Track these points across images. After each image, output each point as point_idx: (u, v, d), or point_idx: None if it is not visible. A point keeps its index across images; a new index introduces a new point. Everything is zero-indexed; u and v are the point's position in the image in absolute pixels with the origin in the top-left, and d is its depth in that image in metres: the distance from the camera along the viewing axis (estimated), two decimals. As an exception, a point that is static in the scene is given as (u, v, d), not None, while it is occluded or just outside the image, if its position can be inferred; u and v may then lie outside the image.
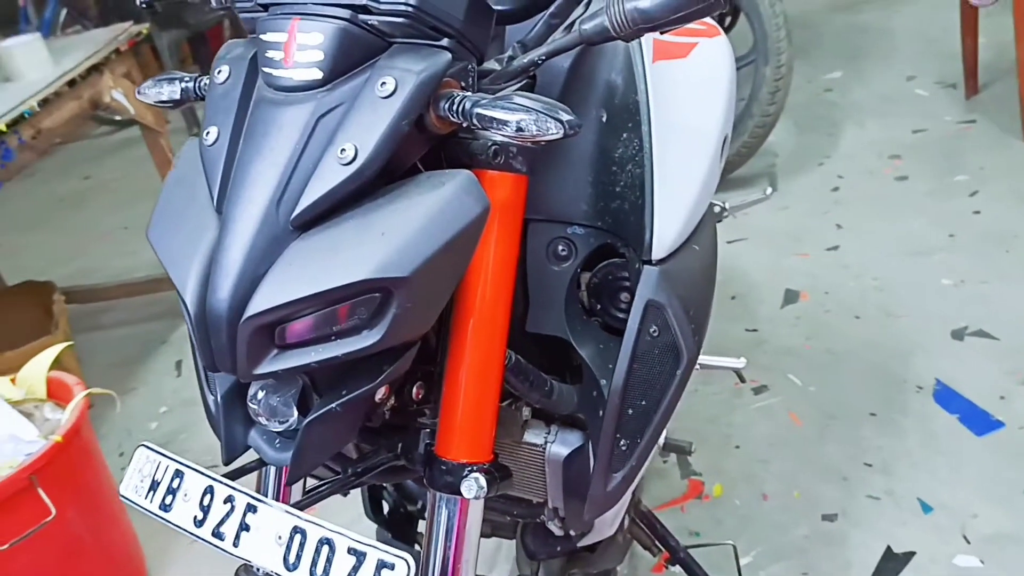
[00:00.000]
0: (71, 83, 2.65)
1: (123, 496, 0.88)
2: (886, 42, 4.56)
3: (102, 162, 5.43)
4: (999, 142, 3.38)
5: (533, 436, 1.09)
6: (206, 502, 0.83)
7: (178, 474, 0.85)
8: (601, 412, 0.99)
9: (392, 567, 0.75)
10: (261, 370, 0.74)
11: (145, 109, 2.89)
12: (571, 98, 1.01)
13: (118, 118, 5.27)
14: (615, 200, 1.01)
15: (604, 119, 1.01)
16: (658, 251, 0.98)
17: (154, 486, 0.86)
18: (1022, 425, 2.08)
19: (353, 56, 0.77)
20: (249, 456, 0.88)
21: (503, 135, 0.75)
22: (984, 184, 3.11)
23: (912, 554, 1.81)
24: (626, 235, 1.00)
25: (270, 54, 0.79)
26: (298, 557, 0.78)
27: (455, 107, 0.76)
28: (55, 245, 4.30)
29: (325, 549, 0.78)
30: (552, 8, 0.95)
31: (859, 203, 3.19)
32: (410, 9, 0.77)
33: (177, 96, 0.95)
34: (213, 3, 0.96)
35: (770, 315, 2.68)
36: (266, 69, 0.79)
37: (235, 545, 0.80)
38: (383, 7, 0.77)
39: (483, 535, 1.40)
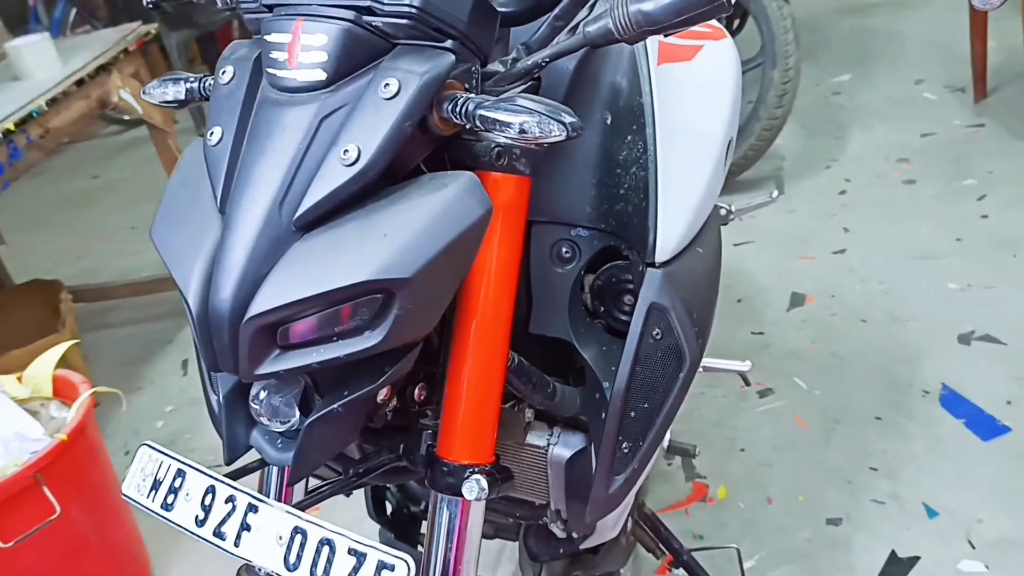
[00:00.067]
0: (79, 83, 2.66)
1: (125, 495, 0.88)
2: (895, 45, 4.55)
3: (110, 161, 5.44)
4: (1008, 146, 3.37)
5: (536, 438, 1.09)
6: (207, 502, 0.83)
7: (180, 473, 0.85)
8: (603, 414, 0.99)
9: (392, 568, 0.75)
10: (263, 370, 0.74)
11: (153, 109, 2.90)
12: (576, 100, 1.01)
13: (127, 118, 5.30)
14: (619, 202, 1.00)
15: (608, 121, 1.01)
16: (661, 254, 0.98)
17: (156, 485, 0.86)
18: (1028, 430, 2.07)
19: (357, 57, 0.77)
20: (251, 456, 0.89)
21: (506, 137, 0.75)
22: (992, 188, 3.11)
23: (916, 559, 1.81)
24: (630, 237, 1.00)
25: (274, 55, 0.79)
26: (299, 557, 0.78)
27: (458, 109, 0.76)
28: (63, 244, 4.31)
29: (325, 550, 0.78)
30: (556, 10, 0.95)
31: (866, 207, 3.19)
32: (414, 10, 0.77)
33: (182, 96, 0.95)
34: (219, 4, 0.97)
35: (776, 318, 2.67)
36: (270, 70, 0.79)
37: (236, 545, 0.80)
38: (387, 8, 0.77)
39: (486, 536, 1.41)
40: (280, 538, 0.79)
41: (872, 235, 3.00)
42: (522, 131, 0.73)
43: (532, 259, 1.05)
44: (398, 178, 0.78)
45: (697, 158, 1.06)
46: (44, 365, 2.03)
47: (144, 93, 0.97)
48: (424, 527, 1.45)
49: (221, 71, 0.84)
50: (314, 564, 0.77)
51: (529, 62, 0.87)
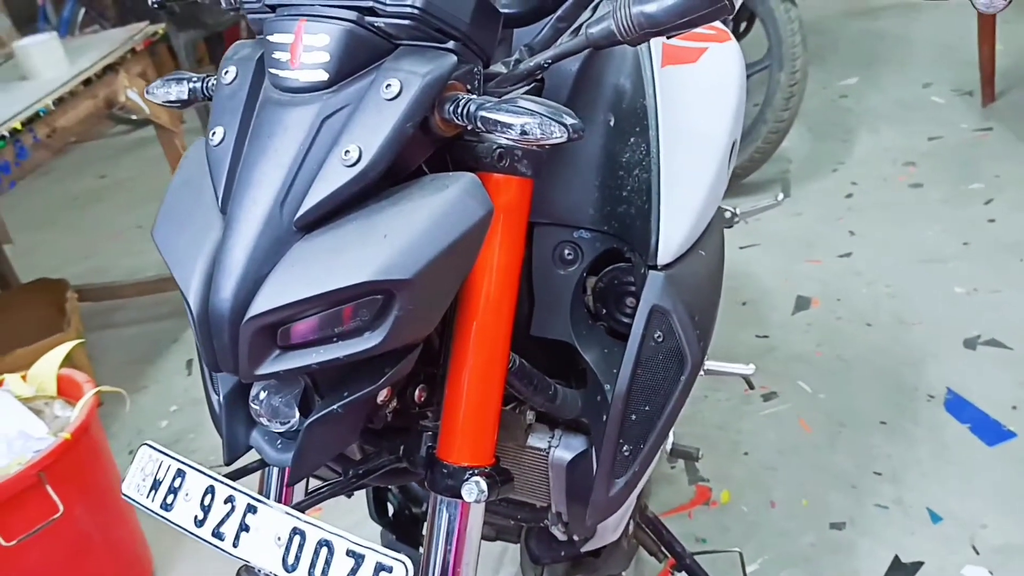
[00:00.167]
0: (87, 82, 2.66)
1: (125, 495, 0.88)
2: (903, 48, 4.54)
3: (118, 161, 5.45)
4: (1015, 150, 3.36)
5: (537, 440, 1.09)
6: (207, 502, 0.83)
7: (180, 473, 0.85)
8: (604, 417, 0.99)
9: (390, 570, 0.75)
10: (263, 371, 0.74)
11: (160, 109, 2.91)
12: (579, 102, 1.00)
13: (134, 117, 5.29)
14: (622, 204, 1.00)
15: (612, 123, 1.01)
16: (664, 256, 0.97)
17: (156, 485, 0.86)
18: (1034, 435, 2.06)
19: (359, 58, 0.77)
20: (251, 456, 0.89)
21: (507, 138, 0.75)
22: (999, 192, 3.10)
23: (920, 564, 1.80)
24: (632, 240, 1.00)
25: (276, 55, 0.79)
26: (297, 558, 0.78)
27: (460, 110, 0.76)
28: (69, 243, 4.32)
29: (324, 551, 0.78)
30: (559, 11, 0.95)
31: (873, 210, 3.18)
32: (416, 11, 0.77)
33: (185, 96, 0.95)
34: (224, 4, 0.97)
35: (781, 321, 2.67)
36: (272, 70, 0.79)
37: (235, 545, 0.81)
38: (389, 9, 0.77)
39: (488, 539, 1.41)
40: (279, 539, 0.79)
41: (878, 238, 2.99)
42: (523, 133, 0.73)
43: (534, 261, 1.05)
44: (399, 179, 0.78)
45: (700, 160, 1.05)
46: (49, 364, 2.03)
47: (148, 93, 0.97)
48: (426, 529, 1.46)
49: (224, 71, 0.84)
50: (312, 565, 0.77)
51: (531, 63, 0.87)
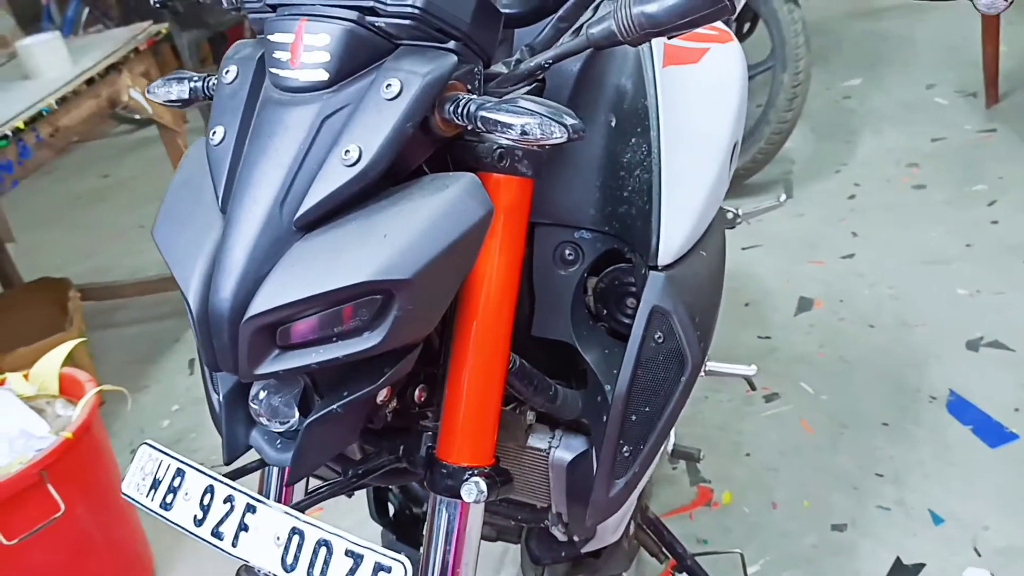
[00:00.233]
0: (89, 82, 2.67)
1: (125, 494, 0.88)
2: (907, 50, 4.53)
3: (121, 161, 5.46)
4: (1019, 151, 3.35)
5: (537, 441, 1.09)
6: (206, 501, 0.83)
7: (179, 473, 0.85)
8: (605, 418, 0.99)
9: (389, 570, 0.75)
10: (262, 370, 0.74)
11: (163, 108, 2.91)
12: (580, 102, 1.00)
13: (137, 117, 5.30)
14: (622, 205, 1.00)
15: (613, 123, 1.01)
16: (664, 257, 0.97)
17: (155, 484, 0.86)
18: (1036, 437, 2.06)
19: (359, 58, 0.77)
20: (251, 456, 0.89)
21: (508, 139, 0.75)
22: (1003, 194, 3.09)
23: (922, 566, 1.80)
24: (633, 240, 1.00)
25: (277, 55, 0.79)
26: (296, 558, 0.78)
27: (460, 110, 0.76)
28: (71, 242, 4.32)
29: (323, 551, 0.78)
30: (560, 12, 0.95)
31: (875, 211, 3.18)
32: (416, 11, 0.77)
33: (186, 95, 0.95)
34: (225, 3, 0.97)
35: (783, 322, 2.66)
36: (273, 70, 0.79)
37: (234, 545, 0.81)
38: (390, 9, 0.77)
39: (488, 539, 1.41)
40: (278, 539, 0.79)
41: (881, 240, 2.99)
42: (523, 133, 0.73)
43: (535, 261, 1.05)
44: (400, 179, 0.78)
45: (701, 161, 1.05)
46: (50, 363, 2.04)
47: (148, 92, 0.97)
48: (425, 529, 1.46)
49: (224, 70, 0.84)
50: (311, 565, 0.77)
51: (532, 63, 0.86)
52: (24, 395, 1.96)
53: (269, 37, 0.80)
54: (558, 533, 1.22)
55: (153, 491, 0.86)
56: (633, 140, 0.99)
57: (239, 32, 5.71)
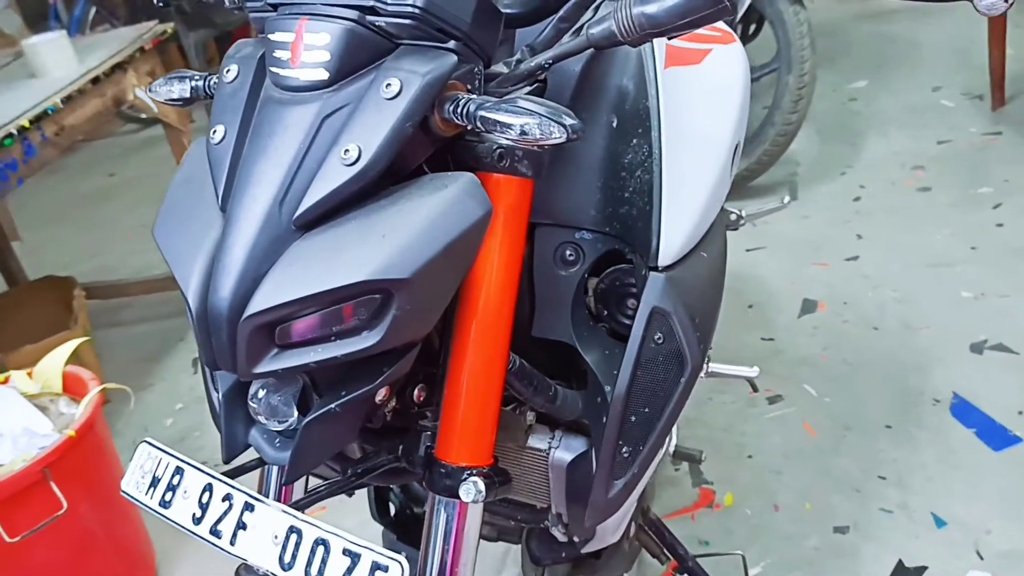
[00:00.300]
0: (95, 81, 2.67)
1: (124, 492, 0.88)
2: (913, 52, 4.53)
3: (127, 160, 5.47)
4: (1025, 155, 3.34)
5: (537, 441, 1.09)
6: (205, 500, 0.83)
7: (178, 471, 0.86)
8: (604, 418, 0.99)
9: (386, 569, 0.75)
10: (260, 369, 0.75)
11: (168, 107, 2.91)
12: (582, 102, 1.00)
13: (143, 116, 5.33)
14: (623, 206, 1.00)
15: (614, 124, 1.01)
16: (664, 258, 0.97)
17: (154, 482, 0.86)
18: (1040, 441, 2.05)
19: (359, 57, 0.77)
20: (251, 454, 0.89)
21: (507, 138, 0.75)
22: (1008, 197, 3.08)
23: (924, 569, 1.80)
24: (633, 241, 1.00)
25: (277, 54, 0.79)
26: (293, 557, 0.78)
27: (459, 110, 0.76)
28: (77, 241, 4.33)
29: (320, 550, 0.78)
30: (561, 12, 0.95)
31: (880, 213, 3.17)
32: (417, 11, 0.77)
33: (187, 94, 0.96)
34: (227, 3, 0.97)
35: (787, 324, 2.66)
36: (273, 69, 0.79)
37: (232, 543, 0.81)
38: (390, 8, 0.77)
39: (489, 539, 1.41)
40: (276, 537, 0.79)
41: (886, 242, 2.98)
42: (523, 133, 0.73)
43: (536, 261, 1.05)
44: (400, 178, 0.78)
45: (703, 162, 1.05)
46: (54, 361, 2.04)
47: (150, 90, 0.97)
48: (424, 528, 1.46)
49: (225, 69, 0.84)
50: (309, 564, 0.78)
51: (532, 63, 0.87)
52: (28, 393, 1.96)
53: (270, 36, 0.80)
54: (558, 534, 1.22)
55: (152, 489, 0.86)
56: (634, 141, 0.99)
57: (246, 32, 5.71)
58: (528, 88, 0.91)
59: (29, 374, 2.04)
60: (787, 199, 1.93)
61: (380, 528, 1.46)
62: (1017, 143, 3.43)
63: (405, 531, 1.44)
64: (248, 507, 0.81)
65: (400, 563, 0.75)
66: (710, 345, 1.03)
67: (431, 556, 0.91)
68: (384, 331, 0.73)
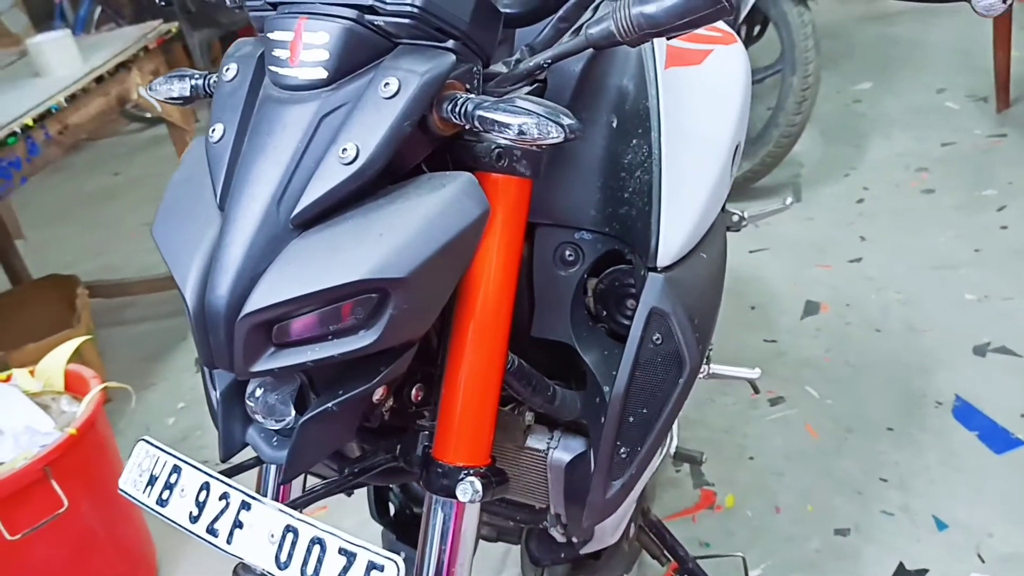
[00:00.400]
0: (99, 80, 2.68)
1: (122, 490, 0.88)
2: (918, 54, 4.52)
3: (132, 159, 5.48)
4: (1029, 157, 3.34)
5: (536, 441, 1.09)
6: (202, 498, 0.83)
7: (176, 469, 0.86)
8: (603, 419, 0.99)
9: (381, 569, 0.75)
10: (257, 368, 0.75)
11: (172, 107, 2.92)
12: (582, 102, 1.00)
13: (148, 115, 5.33)
14: (623, 206, 1.00)
15: (614, 124, 1.01)
16: (664, 258, 0.97)
17: (152, 481, 0.87)
18: (1043, 444, 2.05)
19: (358, 56, 0.77)
20: (249, 453, 0.89)
21: (505, 138, 0.75)
22: (1012, 199, 3.08)
23: (925, 571, 1.79)
24: (633, 241, 1.00)
25: (277, 53, 0.79)
26: (289, 556, 0.78)
27: (458, 109, 0.76)
28: (82, 240, 4.34)
29: (316, 549, 0.78)
30: (560, 12, 0.95)
31: (884, 215, 3.17)
32: (415, 10, 0.77)
33: (187, 93, 0.96)
34: (228, 2, 0.97)
35: (790, 326, 2.65)
36: (272, 68, 0.79)
37: (228, 542, 0.81)
38: (389, 8, 0.77)
39: (488, 539, 1.41)
40: (272, 536, 0.79)
41: (889, 244, 2.98)
42: (521, 132, 0.73)
43: (535, 262, 1.05)
44: (398, 177, 0.78)
45: (703, 163, 1.05)
46: (57, 359, 2.04)
47: (150, 89, 0.97)
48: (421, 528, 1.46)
49: (225, 68, 0.84)
50: (304, 563, 0.78)
51: (531, 63, 0.86)
52: (29, 391, 1.96)
53: (269, 35, 0.80)
54: (556, 534, 1.22)
55: (150, 487, 0.86)
56: (634, 141, 0.99)
57: (250, 31, 5.64)
58: (527, 88, 0.91)
59: (31, 372, 2.04)
60: (789, 200, 1.93)
61: (380, 528, 1.46)
62: (1022, 145, 3.42)
63: (405, 531, 1.43)
64: (245, 506, 0.81)
65: (396, 562, 0.75)
66: (709, 346, 1.03)
67: (428, 556, 0.91)
68: (381, 330, 0.73)
